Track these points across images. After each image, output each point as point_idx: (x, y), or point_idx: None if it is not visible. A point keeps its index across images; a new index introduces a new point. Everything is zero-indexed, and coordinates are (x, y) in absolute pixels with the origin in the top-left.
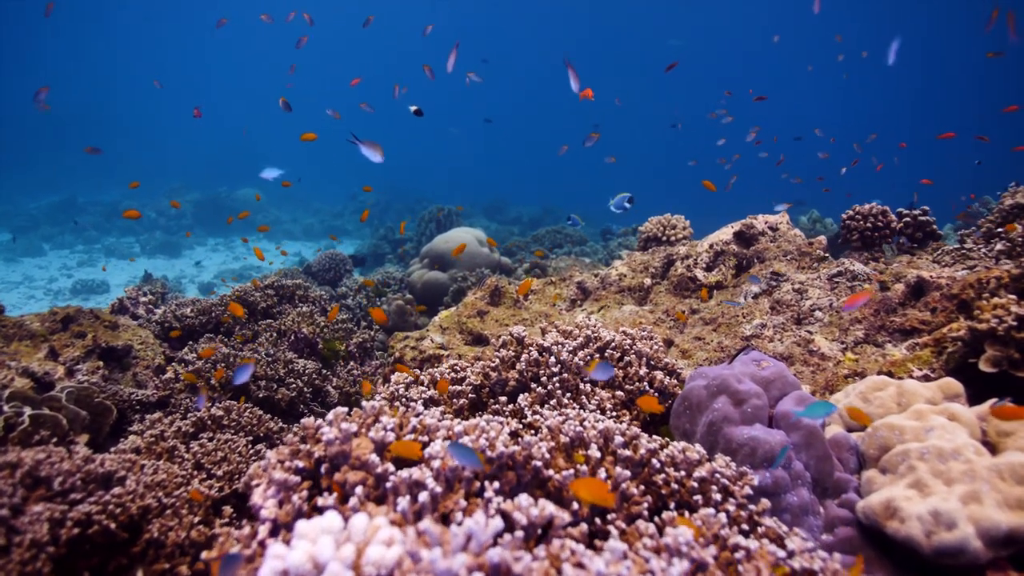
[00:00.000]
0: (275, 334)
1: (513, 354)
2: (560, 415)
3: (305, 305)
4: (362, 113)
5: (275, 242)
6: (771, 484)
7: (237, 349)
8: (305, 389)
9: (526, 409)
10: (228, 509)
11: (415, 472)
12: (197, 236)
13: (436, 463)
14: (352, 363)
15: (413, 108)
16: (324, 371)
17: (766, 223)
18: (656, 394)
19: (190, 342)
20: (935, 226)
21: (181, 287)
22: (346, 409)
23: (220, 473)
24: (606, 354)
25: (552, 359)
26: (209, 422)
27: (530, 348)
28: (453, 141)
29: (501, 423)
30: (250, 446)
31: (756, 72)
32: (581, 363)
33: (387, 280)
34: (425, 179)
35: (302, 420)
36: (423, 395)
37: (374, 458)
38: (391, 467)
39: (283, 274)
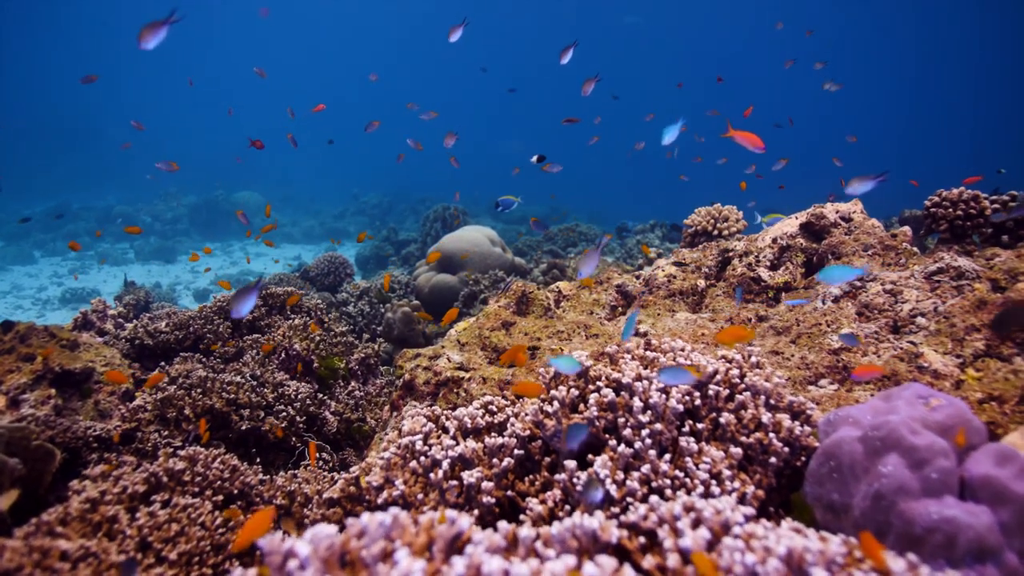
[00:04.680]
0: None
1: (576, 392)
2: (696, 520)
3: (298, 316)
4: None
5: (274, 245)
6: None
7: (218, 370)
8: (298, 418)
9: (606, 479)
10: None
11: None
12: (193, 240)
13: None
14: (353, 383)
15: (534, 158)
16: (320, 394)
17: (837, 213)
18: (786, 448)
19: (163, 363)
20: None
21: (175, 294)
22: (334, 530)
23: (174, 557)
24: (710, 392)
25: (637, 402)
26: (166, 479)
27: (599, 384)
28: (511, 154)
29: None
30: (218, 512)
31: (720, 53)
32: (679, 407)
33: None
34: (428, 179)
35: (263, 540)
36: (450, 452)
37: None
38: None
39: (276, 280)
